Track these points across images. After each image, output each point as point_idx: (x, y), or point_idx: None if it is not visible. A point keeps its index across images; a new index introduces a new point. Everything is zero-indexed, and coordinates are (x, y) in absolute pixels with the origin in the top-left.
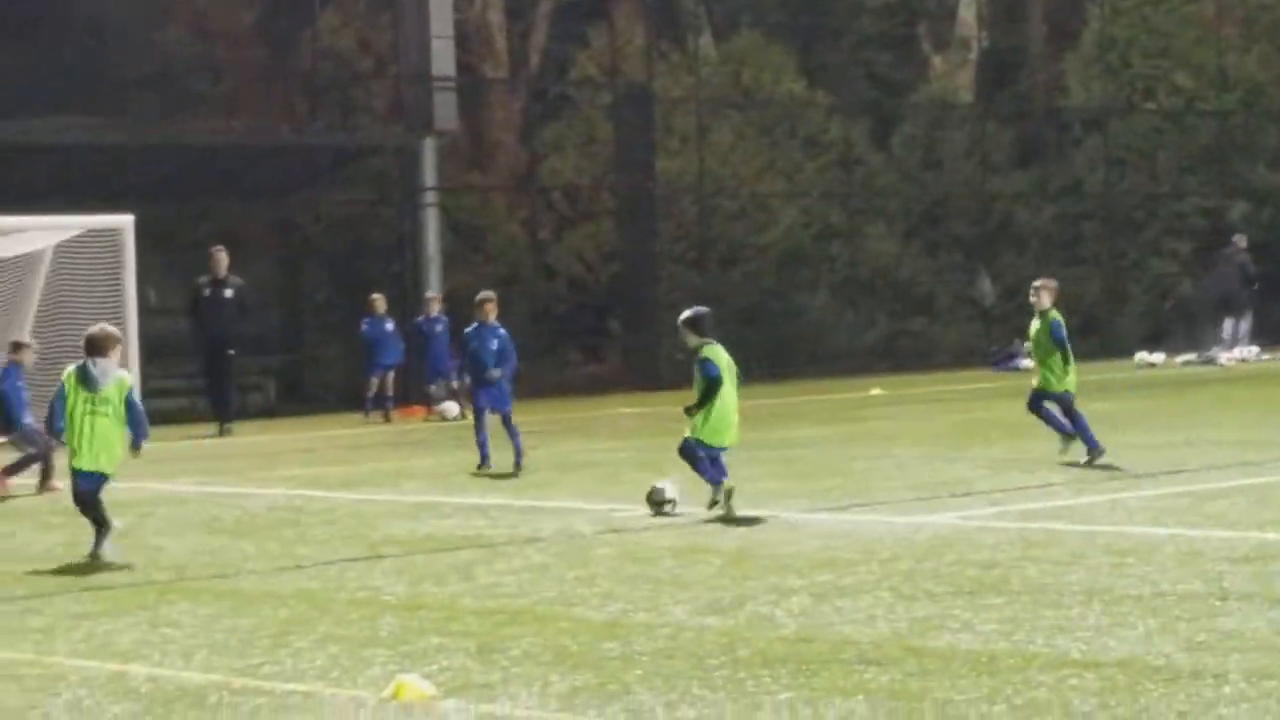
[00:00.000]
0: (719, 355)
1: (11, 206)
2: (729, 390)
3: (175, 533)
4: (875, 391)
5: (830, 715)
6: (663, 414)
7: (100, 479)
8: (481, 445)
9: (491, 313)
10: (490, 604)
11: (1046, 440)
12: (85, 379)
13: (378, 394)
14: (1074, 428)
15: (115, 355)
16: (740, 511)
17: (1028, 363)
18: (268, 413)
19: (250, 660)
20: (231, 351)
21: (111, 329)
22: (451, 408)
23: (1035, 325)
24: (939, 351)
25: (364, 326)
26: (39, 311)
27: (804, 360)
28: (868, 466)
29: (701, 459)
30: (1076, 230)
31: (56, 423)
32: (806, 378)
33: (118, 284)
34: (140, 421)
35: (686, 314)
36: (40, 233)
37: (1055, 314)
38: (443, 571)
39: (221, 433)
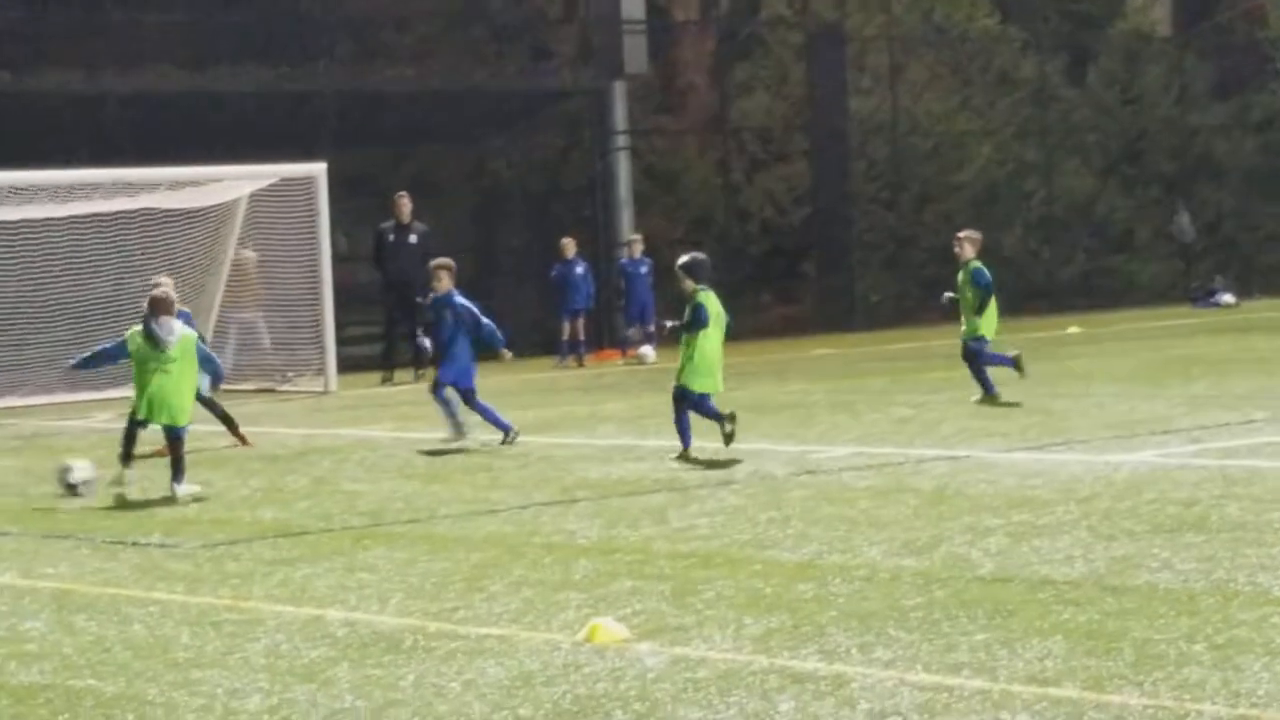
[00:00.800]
0: (711, 302)
1: (206, 156)
2: (714, 337)
3: (370, 478)
4: (1073, 330)
5: (1027, 656)
6: (857, 355)
7: (174, 430)
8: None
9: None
10: (683, 547)
11: (1248, 375)
12: (152, 339)
13: (570, 338)
14: (977, 371)
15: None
16: (939, 450)
17: (1229, 298)
18: None
19: (445, 604)
20: (419, 299)
21: (172, 291)
22: (650, 352)
23: (960, 276)
24: (1137, 288)
25: (554, 270)
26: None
27: (1000, 298)
28: (1065, 405)
29: (683, 414)
30: (1277, 163)
31: (90, 363)
32: (1003, 316)
33: (312, 231)
34: (213, 364)
35: (684, 259)
36: (234, 182)
37: (976, 263)
38: (636, 515)
39: (384, 381)
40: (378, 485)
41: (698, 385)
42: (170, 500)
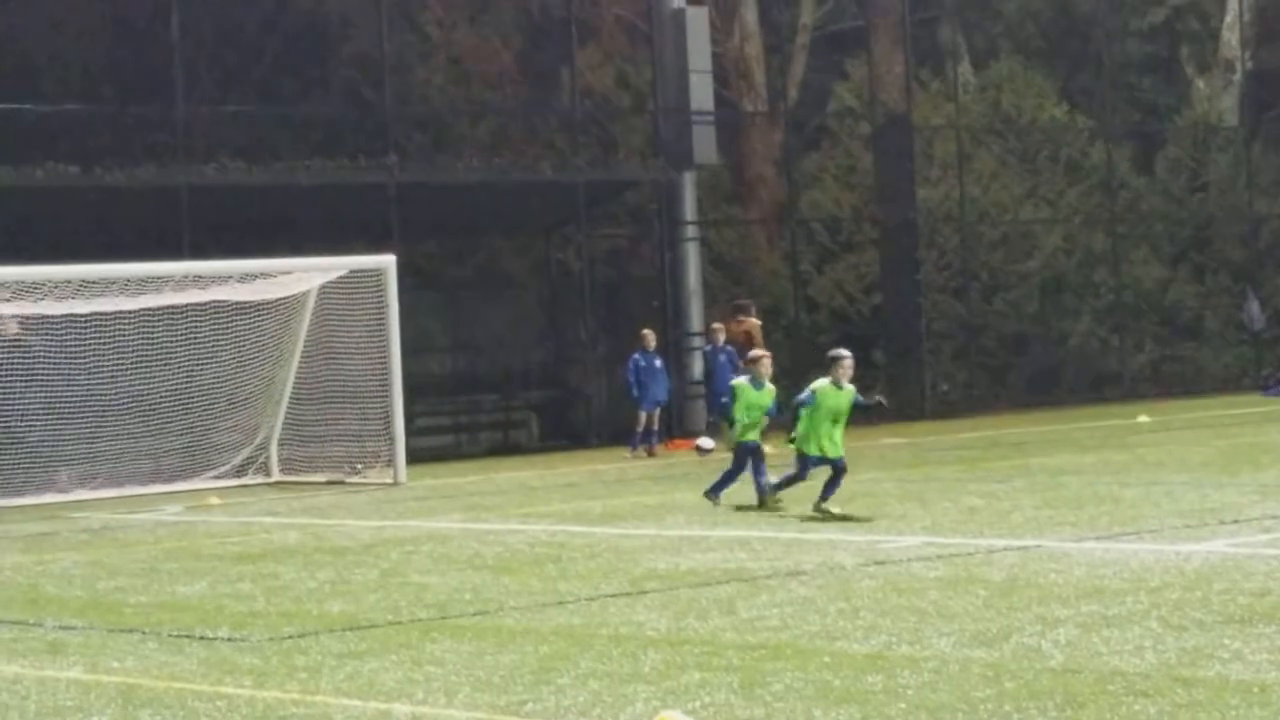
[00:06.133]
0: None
1: (276, 248)
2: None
3: (438, 570)
4: (1142, 419)
5: None
6: (927, 444)
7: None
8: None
9: None
10: (752, 638)
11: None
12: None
13: (645, 429)
14: None
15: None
16: (1009, 540)
17: None
18: (531, 449)
19: (513, 697)
20: None
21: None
22: (708, 442)
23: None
24: (1207, 377)
25: (632, 361)
26: (304, 352)
27: (1070, 387)
28: (1136, 494)
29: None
30: None
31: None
32: (1072, 405)
33: (381, 322)
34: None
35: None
36: (304, 274)
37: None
38: (705, 606)
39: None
40: (446, 577)
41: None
42: (254, 591)
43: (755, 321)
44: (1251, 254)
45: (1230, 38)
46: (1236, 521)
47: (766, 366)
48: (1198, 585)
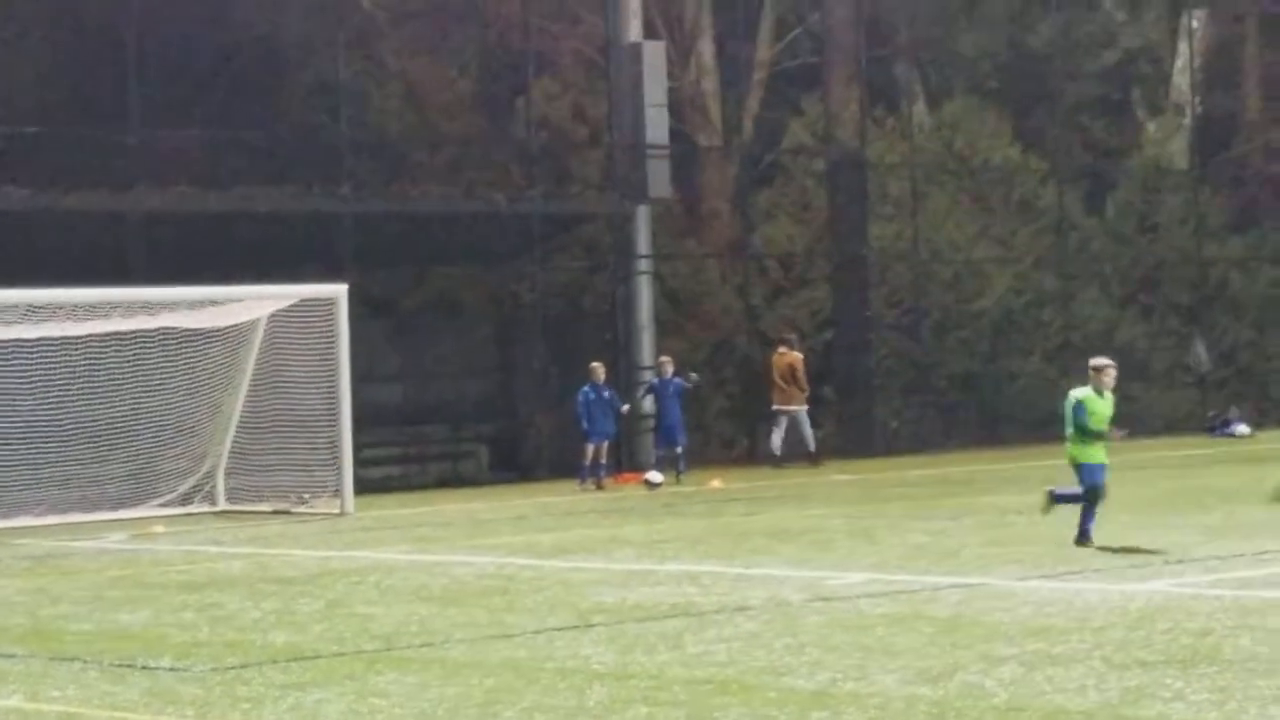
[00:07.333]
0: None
1: (226, 275)
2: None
3: (384, 601)
4: None
5: None
6: (876, 481)
7: None
8: None
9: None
10: (699, 673)
11: (1262, 506)
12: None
13: (593, 461)
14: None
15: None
16: (955, 578)
17: (1244, 429)
18: (480, 481)
19: None
20: None
21: None
22: (656, 476)
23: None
24: (1154, 418)
25: (582, 394)
26: (252, 380)
27: (1018, 427)
28: None
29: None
30: None
31: None
32: (1021, 444)
33: (332, 352)
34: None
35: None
36: (255, 302)
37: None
38: (652, 640)
39: None
40: (391, 608)
41: None
42: (198, 621)
43: (798, 355)
44: (1199, 296)
45: (1181, 81)
46: (1180, 562)
47: (1111, 376)
48: (1141, 625)
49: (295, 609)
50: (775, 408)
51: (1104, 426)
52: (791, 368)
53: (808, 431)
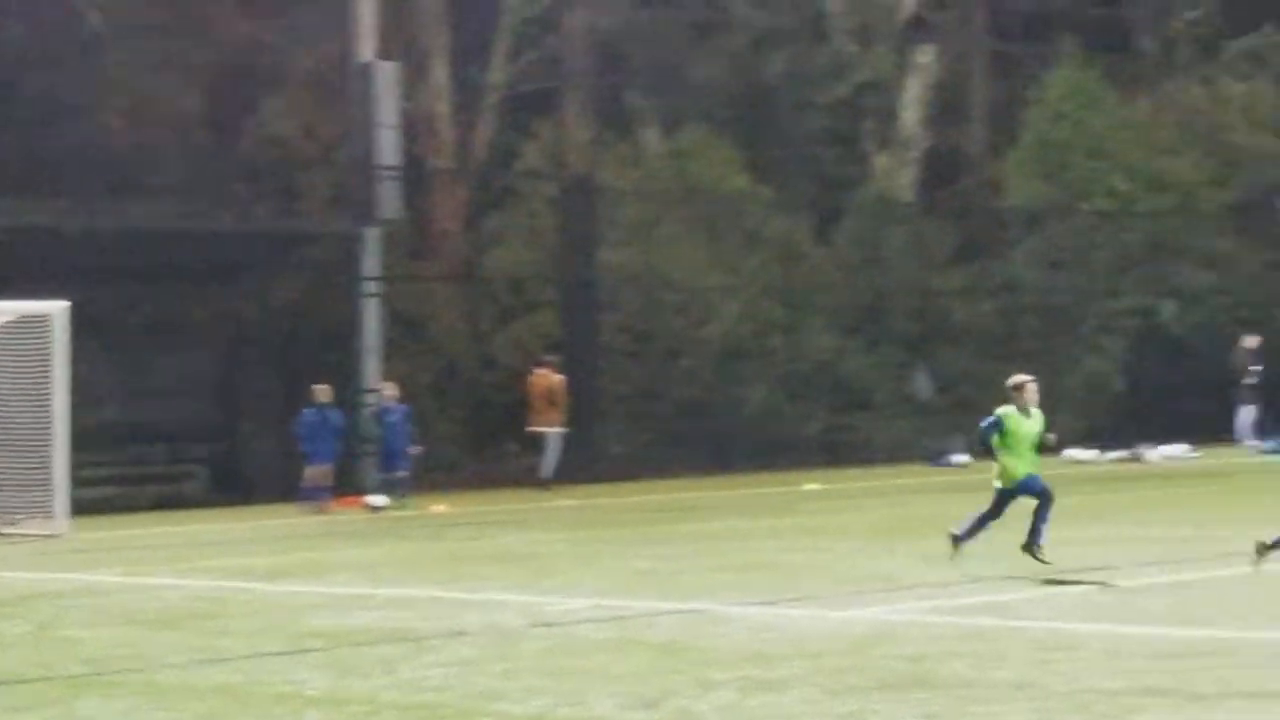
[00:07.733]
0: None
1: None
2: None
3: (95, 625)
4: (810, 486)
5: None
6: (600, 505)
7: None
8: None
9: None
10: (414, 698)
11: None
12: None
13: (314, 484)
14: None
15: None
16: (675, 604)
17: (963, 458)
18: (200, 503)
19: None
20: None
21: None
22: (379, 499)
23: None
24: (876, 446)
25: (304, 416)
26: None
27: (743, 453)
28: (800, 560)
29: None
30: (1013, 326)
31: None
32: (747, 471)
33: (46, 371)
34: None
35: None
36: None
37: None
38: (367, 665)
39: None
40: (101, 632)
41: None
42: None
43: (559, 377)
44: (923, 327)
45: (909, 116)
46: (897, 589)
47: (1032, 391)
48: (856, 650)
49: (1, 632)
50: (530, 429)
51: (1032, 445)
52: (550, 390)
53: (552, 458)
